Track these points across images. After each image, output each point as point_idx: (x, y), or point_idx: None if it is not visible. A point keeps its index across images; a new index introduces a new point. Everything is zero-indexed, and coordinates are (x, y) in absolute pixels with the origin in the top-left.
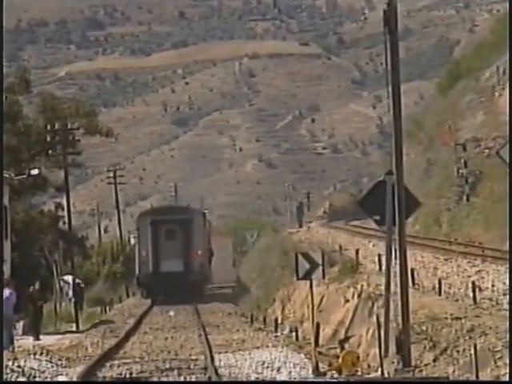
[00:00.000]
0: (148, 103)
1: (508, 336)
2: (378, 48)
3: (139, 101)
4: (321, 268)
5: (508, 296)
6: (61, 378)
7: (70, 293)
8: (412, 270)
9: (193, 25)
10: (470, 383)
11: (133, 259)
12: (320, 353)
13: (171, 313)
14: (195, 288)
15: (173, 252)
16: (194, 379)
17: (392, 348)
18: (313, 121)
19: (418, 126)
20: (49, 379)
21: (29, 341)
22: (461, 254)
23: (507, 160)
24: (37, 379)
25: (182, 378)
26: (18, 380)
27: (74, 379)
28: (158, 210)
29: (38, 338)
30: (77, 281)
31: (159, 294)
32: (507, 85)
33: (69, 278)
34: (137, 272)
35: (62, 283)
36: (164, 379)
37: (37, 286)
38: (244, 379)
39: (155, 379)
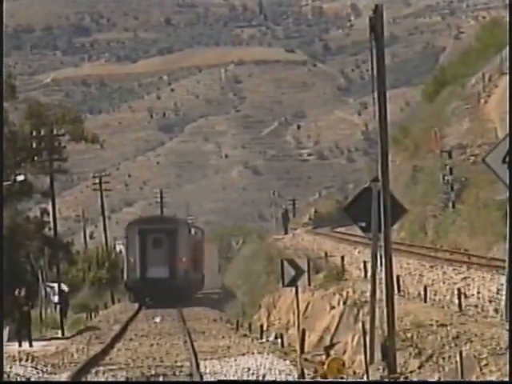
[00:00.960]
0: (134, 109)
1: (508, 337)
2: (364, 55)
3: (125, 107)
4: (306, 275)
5: (509, 299)
6: None
7: (56, 299)
8: (397, 277)
9: (179, 31)
10: (471, 383)
11: (118, 265)
12: (305, 359)
13: (157, 319)
14: (180, 293)
15: (159, 259)
16: None
17: (377, 355)
18: (298, 127)
19: (403, 133)
20: None
21: (14, 347)
22: (446, 261)
23: (493, 167)
24: None
25: None
26: None
27: None
28: (146, 220)
29: (30, 345)
30: (62, 287)
31: (146, 298)
32: (493, 91)
33: (54, 284)
34: (125, 277)
35: (47, 289)
36: None
37: (23, 291)
38: None
39: None
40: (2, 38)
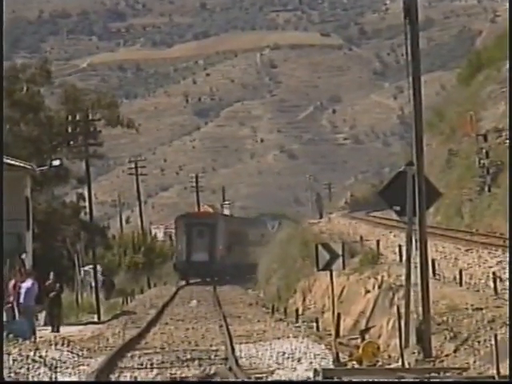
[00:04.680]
0: (169, 94)
1: (508, 335)
2: (400, 39)
3: (161, 92)
4: (341, 259)
5: (508, 293)
6: (82, 369)
7: (99, 280)
8: (433, 261)
9: (214, 16)
10: (467, 383)
11: (154, 250)
12: (341, 343)
13: (193, 303)
14: (217, 274)
15: (201, 247)
16: (214, 370)
17: (412, 339)
18: (334, 112)
19: (439, 117)
20: (70, 369)
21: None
22: (482, 245)
23: None
24: (58, 369)
25: (202, 369)
26: (40, 370)
27: (95, 369)
28: (192, 215)
29: (56, 330)
30: (98, 269)
31: (190, 276)
32: None
33: (96, 268)
34: (174, 260)
35: (83, 274)
36: (185, 370)
37: (51, 276)
38: (264, 370)
39: (176, 370)
40: (2, 37)
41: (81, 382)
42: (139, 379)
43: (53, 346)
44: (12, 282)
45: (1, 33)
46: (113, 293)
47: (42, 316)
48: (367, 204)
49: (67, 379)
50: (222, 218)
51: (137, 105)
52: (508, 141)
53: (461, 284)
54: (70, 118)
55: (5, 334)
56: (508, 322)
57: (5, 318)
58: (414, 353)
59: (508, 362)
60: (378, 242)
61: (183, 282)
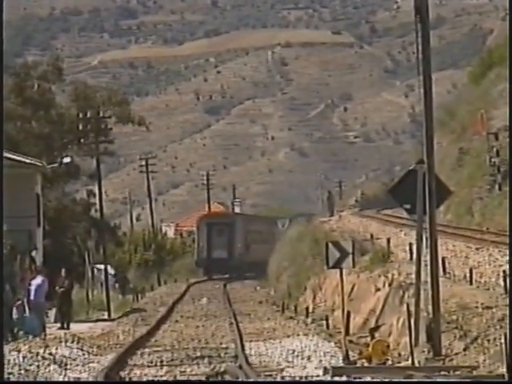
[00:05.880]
0: (180, 92)
1: (508, 334)
2: (411, 37)
3: (172, 89)
4: (351, 257)
5: (508, 292)
6: (92, 366)
7: (111, 279)
8: (443, 259)
9: (225, 13)
10: (472, 383)
11: (165, 247)
12: (350, 341)
13: (203, 300)
14: (235, 269)
15: (221, 244)
16: (224, 368)
17: (422, 337)
18: (345, 110)
19: (450, 115)
20: (80, 367)
21: (61, 328)
22: (492, 243)
23: None
24: (68, 367)
25: (212, 367)
26: (50, 368)
27: (105, 366)
28: (212, 215)
29: (66, 327)
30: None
31: (211, 272)
32: None
33: (107, 266)
34: (195, 257)
35: (95, 271)
36: (194, 367)
37: (62, 273)
38: (274, 368)
39: (185, 367)
40: (2, 35)
41: (80, 382)
42: (149, 377)
43: (63, 343)
44: (24, 279)
45: (1, 32)
46: (127, 289)
47: (52, 313)
48: (378, 202)
49: (77, 377)
50: (240, 218)
51: (148, 102)
52: None
53: (471, 282)
54: (80, 115)
55: (15, 330)
56: (508, 321)
57: (15, 315)
58: (423, 351)
59: (506, 362)
60: (388, 240)
61: (192, 280)
